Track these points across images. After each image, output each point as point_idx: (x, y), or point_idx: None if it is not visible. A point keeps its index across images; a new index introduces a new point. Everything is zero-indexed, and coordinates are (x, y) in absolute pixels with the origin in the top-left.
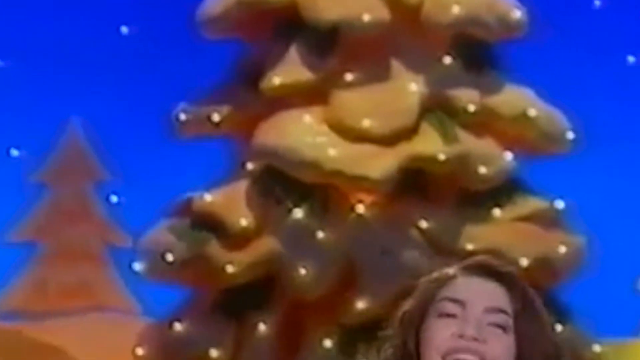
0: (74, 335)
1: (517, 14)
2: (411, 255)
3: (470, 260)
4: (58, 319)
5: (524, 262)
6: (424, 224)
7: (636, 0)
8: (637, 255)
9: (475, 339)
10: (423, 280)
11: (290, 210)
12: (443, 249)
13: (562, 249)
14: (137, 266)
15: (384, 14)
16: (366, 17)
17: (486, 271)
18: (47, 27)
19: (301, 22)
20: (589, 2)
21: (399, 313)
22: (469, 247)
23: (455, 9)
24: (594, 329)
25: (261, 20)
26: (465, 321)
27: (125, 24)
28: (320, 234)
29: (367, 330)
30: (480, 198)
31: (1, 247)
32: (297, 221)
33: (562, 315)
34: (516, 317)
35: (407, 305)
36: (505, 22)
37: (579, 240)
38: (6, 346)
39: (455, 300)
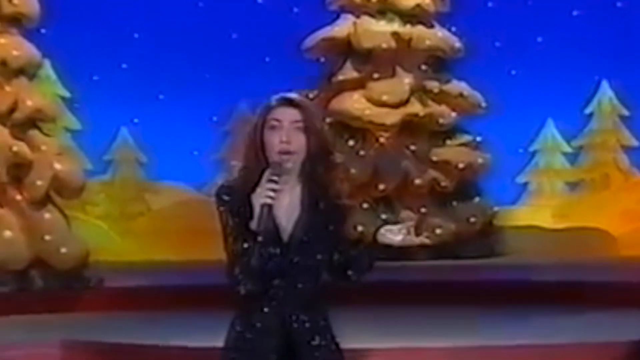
0: None
1: (458, 44)
2: (405, 163)
3: (280, 96)
4: None
5: (461, 165)
6: (412, 147)
7: (519, 43)
8: (515, 165)
9: (286, 142)
10: (259, 107)
11: (347, 140)
12: (420, 159)
13: (480, 160)
14: None
15: (392, 43)
16: (384, 45)
17: (290, 101)
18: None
19: (352, 48)
20: (490, 44)
21: (247, 128)
22: (434, 159)
23: (427, 42)
24: (495, 200)
25: (332, 47)
26: (281, 130)
27: (268, 55)
28: (362, 152)
29: (385, 199)
30: (440, 134)
31: (212, 163)
32: (350, 146)
33: (479, 192)
34: (305, 123)
35: (251, 122)
36: (452, 49)
37: (488, 156)
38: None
39: (276, 119)
